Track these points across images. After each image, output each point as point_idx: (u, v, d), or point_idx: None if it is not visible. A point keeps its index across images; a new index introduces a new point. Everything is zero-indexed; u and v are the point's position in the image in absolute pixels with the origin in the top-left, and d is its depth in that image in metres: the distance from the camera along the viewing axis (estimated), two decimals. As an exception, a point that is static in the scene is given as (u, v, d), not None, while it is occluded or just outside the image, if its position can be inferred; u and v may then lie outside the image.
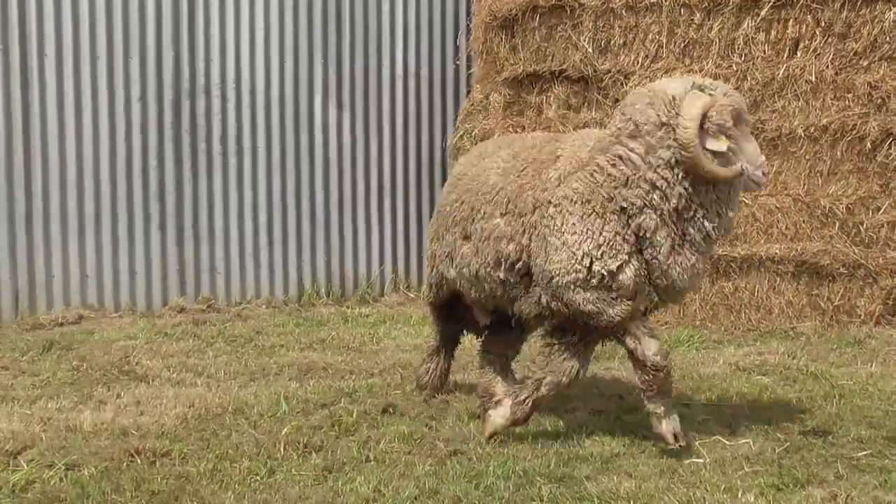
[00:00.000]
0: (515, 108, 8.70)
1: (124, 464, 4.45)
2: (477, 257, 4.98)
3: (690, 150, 4.36)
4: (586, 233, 4.55)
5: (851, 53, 7.73)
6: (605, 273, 4.52)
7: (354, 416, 5.21)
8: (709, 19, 7.95)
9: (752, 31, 7.85)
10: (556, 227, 4.62)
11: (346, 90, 9.38)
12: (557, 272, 4.59)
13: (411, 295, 9.51)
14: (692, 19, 7.96)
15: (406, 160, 9.74)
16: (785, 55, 7.85)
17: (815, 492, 4.13)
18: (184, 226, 8.65)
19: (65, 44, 8.16)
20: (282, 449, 4.65)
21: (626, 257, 4.53)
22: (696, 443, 4.77)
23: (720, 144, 4.44)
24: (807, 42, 7.80)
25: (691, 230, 4.53)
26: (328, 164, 9.31)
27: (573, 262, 4.55)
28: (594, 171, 4.59)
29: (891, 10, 7.56)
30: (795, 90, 7.81)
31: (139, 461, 4.48)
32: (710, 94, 4.48)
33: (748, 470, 4.39)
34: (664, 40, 8.07)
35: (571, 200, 4.60)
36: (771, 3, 7.73)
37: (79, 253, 8.26)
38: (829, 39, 7.76)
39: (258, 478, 4.29)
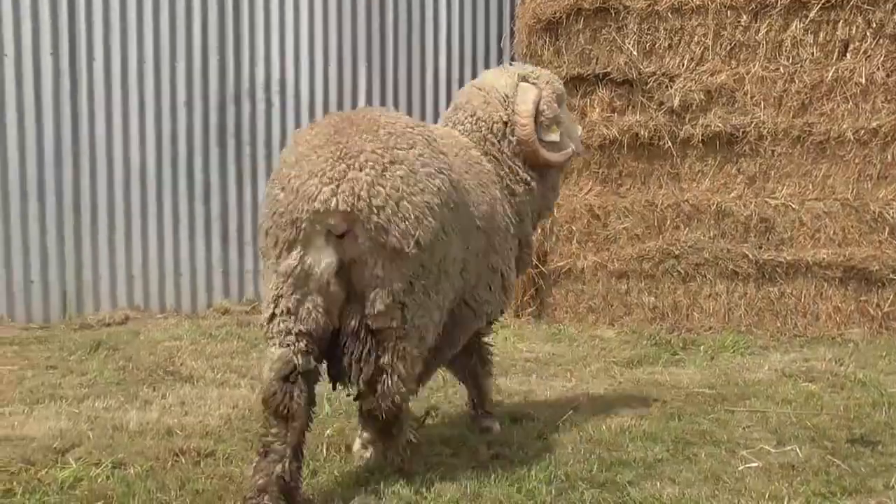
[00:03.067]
0: (559, 111, 8.66)
1: (169, 463, 4.48)
2: None
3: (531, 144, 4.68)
4: None
5: (903, 55, 7.64)
6: None
7: (396, 418, 5.20)
8: (756, 21, 7.88)
9: (801, 32, 7.77)
10: None
11: (389, 94, 9.40)
12: None
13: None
14: (739, 21, 7.89)
15: (449, 163, 9.72)
16: (834, 57, 7.76)
17: (863, 501, 4.07)
18: (228, 228, 8.72)
19: (112, 49, 8.27)
20: (324, 451, 4.66)
21: None
22: (743, 451, 4.72)
23: (554, 135, 4.78)
24: (857, 44, 7.70)
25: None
26: (372, 168, 9.30)
27: None
28: None
29: (943, 10, 7.47)
30: (844, 93, 7.73)
31: (183, 461, 4.52)
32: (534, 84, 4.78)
33: (794, 478, 4.33)
34: (710, 42, 8.00)
35: None
36: (820, 5, 7.65)
37: (125, 255, 8.37)
38: (880, 41, 7.66)
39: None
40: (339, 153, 3.73)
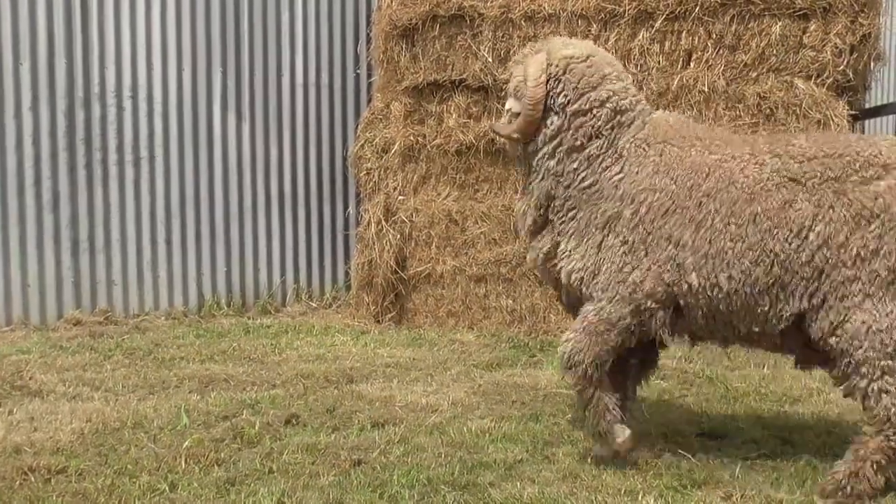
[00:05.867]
0: (416, 116, 8.73)
1: (17, 482, 4.33)
2: None
3: None
4: None
5: (741, 65, 7.95)
6: None
7: (257, 427, 5.16)
8: (605, 30, 8.09)
9: (647, 42, 8.02)
10: None
11: (245, 99, 9.28)
12: None
13: (313, 304, 9.46)
14: (589, 30, 8.09)
15: (307, 169, 9.68)
16: (679, 66, 8.04)
17: (712, 492, 4.25)
18: (79, 237, 8.45)
19: (-49, 50, 7.91)
20: (183, 463, 4.58)
21: None
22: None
23: None
24: (699, 53, 8.00)
25: None
26: (227, 174, 9.20)
27: None
28: None
29: (777, 24, 7.81)
30: (689, 100, 8.00)
31: (33, 479, 4.37)
32: None
33: (648, 472, 4.49)
34: (562, 51, 8.18)
35: None
36: (665, 16, 7.91)
37: (-32, 265, 8.01)
38: (721, 51, 7.97)
39: (159, 493, 4.22)
40: None
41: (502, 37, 8.30)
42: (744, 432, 5.16)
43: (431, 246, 8.48)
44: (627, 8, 7.93)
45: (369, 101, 9.59)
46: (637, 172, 4.44)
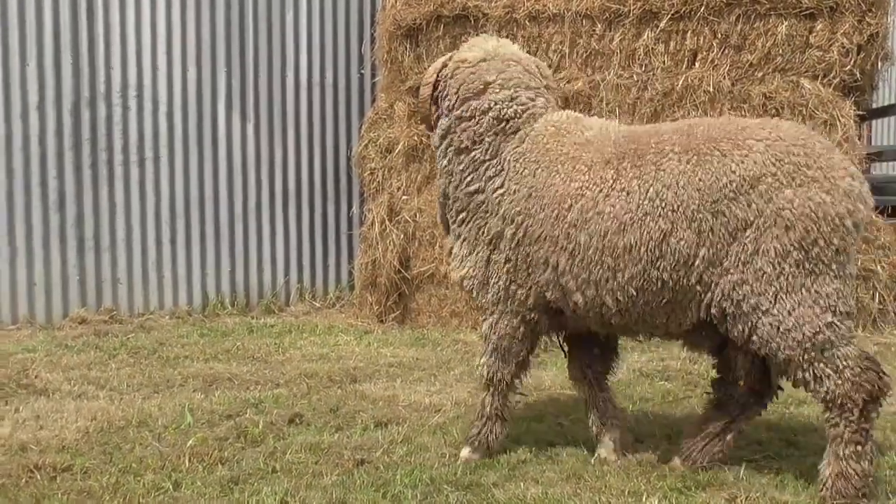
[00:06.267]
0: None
1: (23, 480, 4.34)
2: None
3: None
4: None
5: (747, 65, 7.93)
6: None
7: (260, 426, 5.17)
8: (610, 30, 8.09)
9: (652, 42, 8.01)
10: None
11: (249, 99, 9.30)
12: None
13: (317, 304, 9.47)
14: (594, 30, 8.09)
15: (311, 169, 9.69)
16: (684, 66, 8.02)
17: (716, 494, 4.24)
18: (84, 236, 8.47)
19: (-42, 49, 7.95)
20: (187, 461, 4.59)
21: None
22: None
23: None
24: (704, 53, 7.98)
25: None
26: (232, 173, 9.21)
27: None
28: None
29: (783, 23, 7.79)
30: (694, 100, 7.98)
31: (39, 477, 4.38)
32: None
33: (651, 474, 4.48)
34: (567, 50, 8.18)
35: None
36: (670, 16, 7.89)
37: (-27, 264, 8.04)
38: (726, 51, 7.95)
39: (163, 491, 4.23)
40: None
41: (506, 37, 8.19)
42: (748, 434, 5.14)
43: (435, 246, 8.48)
44: (632, 8, 7.92)
45: (373, 101, 9.59)
46: (515, 192, 4.46)
